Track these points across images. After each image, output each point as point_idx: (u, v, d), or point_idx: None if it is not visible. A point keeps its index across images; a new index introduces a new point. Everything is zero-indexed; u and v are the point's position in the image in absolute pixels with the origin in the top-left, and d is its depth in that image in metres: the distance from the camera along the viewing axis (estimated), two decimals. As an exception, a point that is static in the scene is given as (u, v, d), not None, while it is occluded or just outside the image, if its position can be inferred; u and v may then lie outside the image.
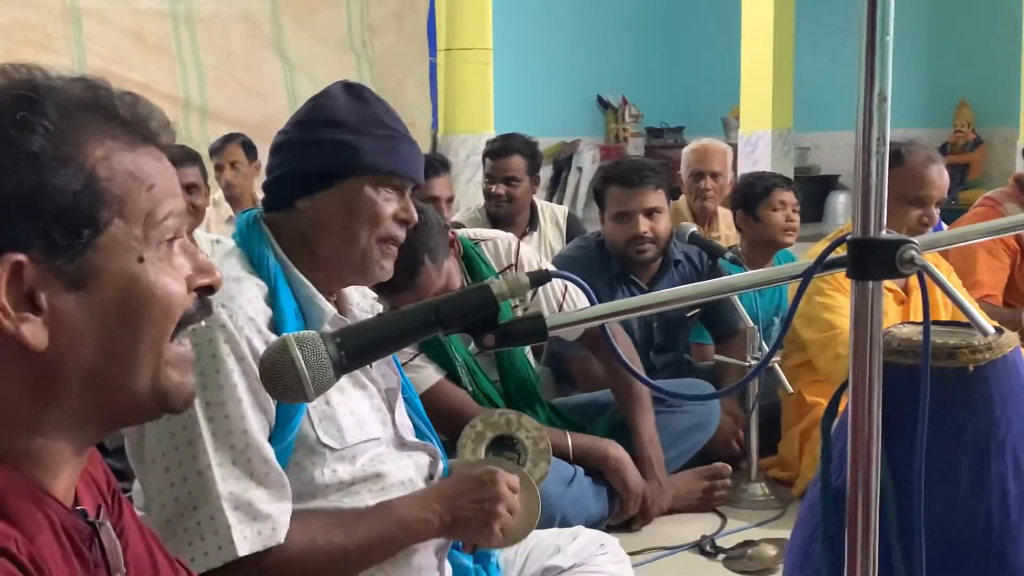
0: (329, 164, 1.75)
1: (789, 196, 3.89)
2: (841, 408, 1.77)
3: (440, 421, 2.61)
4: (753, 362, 3.15)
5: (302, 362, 1.05)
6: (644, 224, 3.38)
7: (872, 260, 1.15)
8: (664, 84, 11.42)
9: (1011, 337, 1.69)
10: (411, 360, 2.76)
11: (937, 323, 1.91)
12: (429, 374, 2.81)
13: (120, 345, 0.96)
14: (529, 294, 2.86)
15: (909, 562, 1.52)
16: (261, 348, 1.60)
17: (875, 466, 1.22)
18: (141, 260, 0.96)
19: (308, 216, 1.76)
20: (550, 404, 3.15)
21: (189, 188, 3.87)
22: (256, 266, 1.73)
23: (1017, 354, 1.69)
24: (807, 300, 3.18)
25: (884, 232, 1.16)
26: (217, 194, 5.19)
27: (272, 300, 1.69)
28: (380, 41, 7.55)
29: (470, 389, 2.86)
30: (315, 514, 1.70)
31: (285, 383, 1.06)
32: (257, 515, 1.60)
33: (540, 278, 1.15)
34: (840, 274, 3.23)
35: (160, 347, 0.98)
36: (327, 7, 7.35)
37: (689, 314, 3.60)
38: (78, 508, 1.01)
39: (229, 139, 5.33)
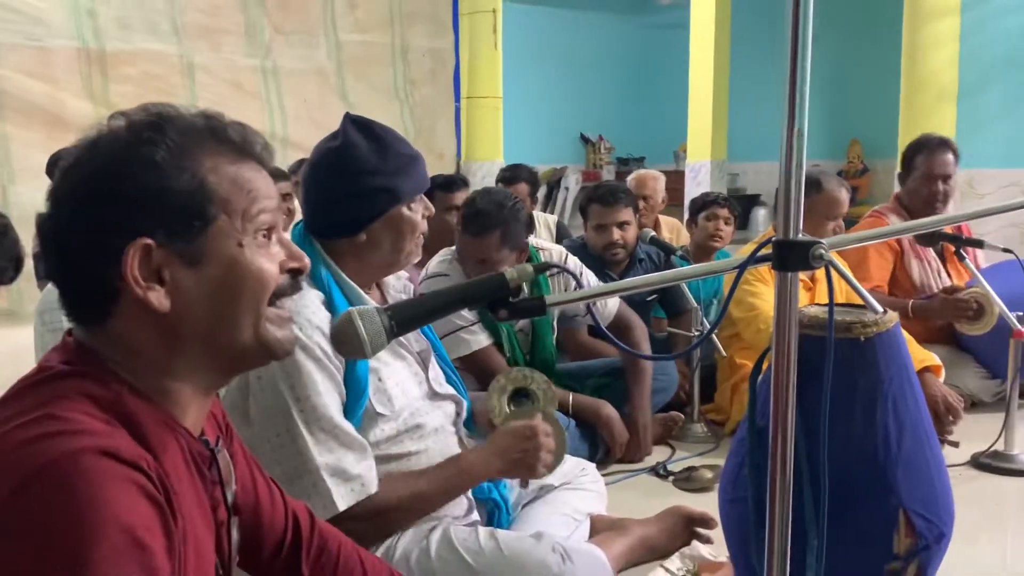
0: (376, 208, 1.69)
1: (723, 212, 3.81)
2: (764, 367, 1.76)
3: (480, 375, 2.66)
4: (697, 334, 3.14)
5: (363, 330, 1.05)
6: (617, 234, 3.36)
7: (791, 256, 1.14)
8: (630, 125, 11.40)
9: (893, 316, 1.68)
10: (470, 325, 2.70)
11: (837, 305, 1.89)
12: (481, 339, 2.74)
13: (225, 308, 0.96)
14: (573, 283, 2.84)
15: (815, 484, 1.52)
16: (328, 347, 1.57)
17: (791, 412, 1.21)
18: (240, 245, 0.96)
19: (362, 243, 1.70)
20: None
21: (285, 197, 3.89)
22: (312, 277, 1.67)
23: (897, 329, 1.68)
24: (737, 287, 3.17)
25: (800, 235, 1.15)
26: (295, 203, 5.15)
27: (329, 305, 1.64)
28: (418, 91, 7.53)
29: (507, 356, 2.81)
30: (402, 472, 1.69)
31: (351, 346, 1.05)
32: (349, 476, 1.57)
33: (542, 268, 1.15)
34: (764, 267, 3.23)
35: (258, 310, 0.98)
36: (379, 65, 7.34)
37: (649, 298, 3.57)
38: (202, 438, 1.01)
39: (303, 162, 5.31)
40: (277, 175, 3.90)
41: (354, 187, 1.69)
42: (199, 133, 0.96)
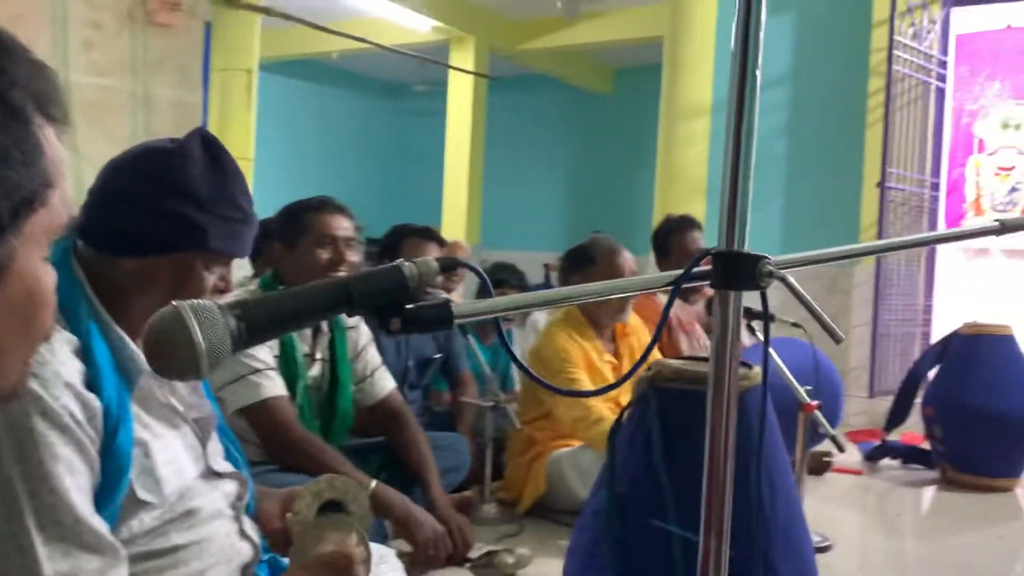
0: (173, 239, 1.29)
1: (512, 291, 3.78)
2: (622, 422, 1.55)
3: (266, 430, 2.27)
4: (491, 404, 2.90)
5: (198, 333, 0.69)
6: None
7: (736, 271, 0.94)
8: (385, 206, 11.31)
9: (758, 370, 1.55)
10: (266, 369, 2.25)
11: (689, 359, 1.75)
12: (277, 385, 2.27)
13: (7, 345, 0.64)
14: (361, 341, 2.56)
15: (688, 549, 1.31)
16: (79, 413, 1.13)
17: (730, 467, 0.98)
18: (45, 260, 0.65)
19: (132, 274, 1.29)
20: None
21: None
22: (64, 311, 1.23)
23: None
24: (550, 373, 2.90)
25: (745, 248, 0.96)
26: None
27: (85, 355, 1.20)
28: (161, 146, 6.90)
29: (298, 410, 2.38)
30: None
31: (176, 358, 0.69)
32: None
33: (448, 265, 0.85)
34: (576, 351, 2.99)
35: (35, 347, 0.68)
36: (117, 113, 6.63)
37: (437, 355, 3.27)
38: None
39: None
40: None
41: (164, 202, 1.28)
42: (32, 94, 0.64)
